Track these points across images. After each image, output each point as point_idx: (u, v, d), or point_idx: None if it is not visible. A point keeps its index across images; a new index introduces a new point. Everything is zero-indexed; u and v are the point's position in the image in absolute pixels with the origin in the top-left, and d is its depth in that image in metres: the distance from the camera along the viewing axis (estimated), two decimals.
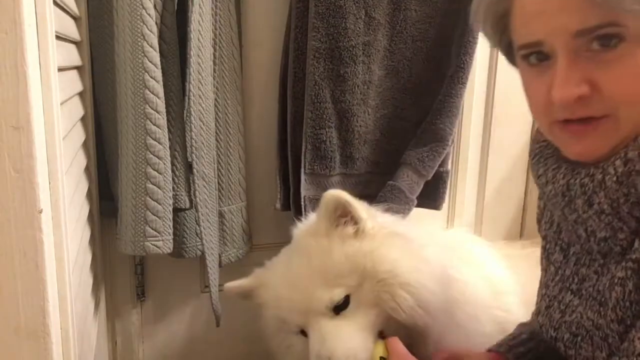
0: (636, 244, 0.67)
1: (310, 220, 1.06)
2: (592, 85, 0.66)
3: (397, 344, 0.91)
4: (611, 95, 0.65)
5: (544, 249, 0.90)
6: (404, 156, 1.50)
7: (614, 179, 0.67)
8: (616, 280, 0.69)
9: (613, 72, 0.65)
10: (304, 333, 0.99)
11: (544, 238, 0.90)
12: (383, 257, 0.96)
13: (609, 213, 0.69)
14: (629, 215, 0.68)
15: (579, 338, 0.76)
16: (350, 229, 0.99)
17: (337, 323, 0.94)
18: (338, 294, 0.95)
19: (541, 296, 0.88)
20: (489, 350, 0.96)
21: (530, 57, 0.71)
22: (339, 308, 0.95)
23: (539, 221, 0.93)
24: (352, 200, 0.99)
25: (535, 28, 0.69)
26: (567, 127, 0.70)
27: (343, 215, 0.99)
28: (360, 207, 1.00)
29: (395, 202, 1.45)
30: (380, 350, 0.93)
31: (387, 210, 1.13)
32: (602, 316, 0.71)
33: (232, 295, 1.12)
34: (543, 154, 0.81)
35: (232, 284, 1.11)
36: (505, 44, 0.79)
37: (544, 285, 0.88)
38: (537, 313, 0.88)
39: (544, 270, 0.89)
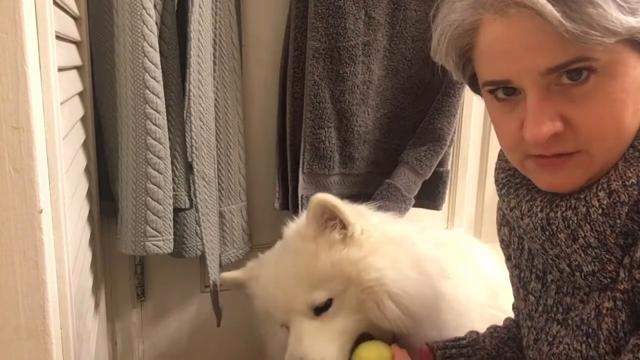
0: (622, 274, 0.65)
1: (302, 219, 1.06)
2: (565, 121, 0.64)
3: (403, 356, 0.91)
4: (584, 131, 0.64)
5: (518, 277, 0.87)
6: (402, 155, 1.51)
7: (599, 211, 0.65)
8: (604, 311, 0.67)
9: (585, 107, 0.63)
10: (287, 327, 1.01)
11: (517, 266, 0.87)
12: (370, 265, 0.96)
13: (596, 246, 0.66)
14: (616, 246, 0.65)
15: None
16: (337, 235, 0.98)
17: (315, 325, 0.96)
18: (320, 297, 0.96)
19: (527, 329, 0.85)
20: (426, 344, 0.97)
21: (497, 91, 0.69)
22: (320, 310, 0.96)
23: (507, 246, 0.90)
24: (340, 204, 0.98)
25: (502, 67, 0.66)
26: (539, 161, 0.68)
27: (331, 219, 0.98)
28: (349, 212, 0.99)
29: (392, 201, 1.45)
30: (387, 356, 0.92)
31: (381, 208, 1.13)
32: (593, 348, 0.69)
33: (228, 285, 1.18)
34: (512, 184, 0.78)
35: (227, 275, 1.17)
36: (469, 75, 0.76)
37: (527, 316, 0.85)
38: (526, 347, 0.85)
39: (523, 300, 0.86)
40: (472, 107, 1.72)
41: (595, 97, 0.63)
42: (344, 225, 0.98)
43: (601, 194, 0.65)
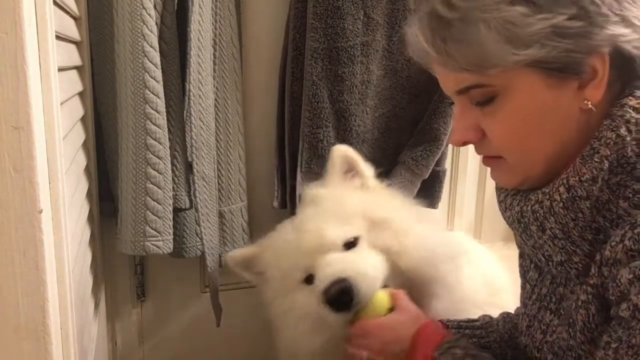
0: (592, 270, 0.68)
1: (319, 183, 1.12)
2: (481, 131, 0.74)
3: (402, 295, 0.94)
4: (493, 142, 0.73)
5: (520, 266, 0.91)
6: (400, 155, 1.51)
7: (561, 205, 0.70)
8: (580, 303, 0.71)
9: (494, 122, 0.72)
10: (308, 281, 0.99)
11: (521, 255, 0.91)
12: (392, 207, 1.04)
13: (562, 237, 0.71)
14: (581, 239, 0.69)
15: (558, 358, 0.76)
16: (357, 182, 1.07)
17: (347, 253, 0.97)
18: (350, 231, 0.98)
19: (522, 315, 0.88)
20: (440, 321, 0.98)
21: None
22: (348, 246, 0.97)
23: (515, 236, 0.93)
24: (358, 156, 1.10)
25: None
26: (482, 159, 0.79)
27: (349, 170, 1.08)
28: (364, 164, 1.10)
29: None
30: (386, 301, 0.93)
31: None
32: (572, 337, 0.72)
33: (234, 265, 1.12)
34: None
35: (234, 252, 1.13)
36: None
37: (522, 304, 0.88)
38: (520, 333, 0.88)
39: (522, 287, 0.90)
40: None
41: (499, 116, 0.71)
42: (359, 176, 1.09)
43: (561, 189, 0.70)
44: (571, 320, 0.73)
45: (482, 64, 0.68)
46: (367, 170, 1.09)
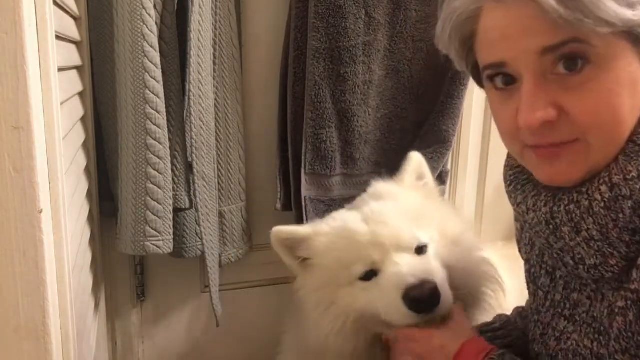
0: (634, 275, 0.66)
1: (390, 181, 1.13)
2: (559, 109, 0.65)
3: (458, 308, 0.93)
4: (579, 120, 0.65)
5: (528, 272, 0.89)
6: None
7: (602, 205, 0.66)
8: (617, 310, 0.68)
9: (580, 97, 0.64)
10: (366, 278, 0.96)
11: (527, 261, 0.89)
12: (463, 228, 1.06)
13: (599, 239, 0.68)
14: (619, 241, 0.67)
15: None
16: (426, 191, 1.10)
17: (422, 258, 0.96)
18: (423, 236, 0.98)
19: (534, 323, 0.86)
20: None
21: (496, 78, 0.71)
22: (419, 251, 0.97)
23: (518, 241, 0.92)
24: (428, 167, 1.13)
25: (500, 51, 0.68)
26: (538, 151, 0.70)
27: (420, 178, 1.11)
28: (432, 177, 1.13)
29: None
30: None
31: None
32: (604, 346, 0.70)
33: (277, 242, 1.03)
34: (519, 180, 0.80)
35: (281, 228, 1.03)
36: (472, 65, 0.78)
37: (535, 311, 0.86)
38: (532, 341, 0.86)
39: (532, 294, 0.87)
40: (473, 108, 1.72)
41: (590, 88, 0.64)
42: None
43: (603, 188, 0.66)
44: (602, 328, 0.70)
45: (595, 16, 0.61)
46: (434, 183, 1.13)
